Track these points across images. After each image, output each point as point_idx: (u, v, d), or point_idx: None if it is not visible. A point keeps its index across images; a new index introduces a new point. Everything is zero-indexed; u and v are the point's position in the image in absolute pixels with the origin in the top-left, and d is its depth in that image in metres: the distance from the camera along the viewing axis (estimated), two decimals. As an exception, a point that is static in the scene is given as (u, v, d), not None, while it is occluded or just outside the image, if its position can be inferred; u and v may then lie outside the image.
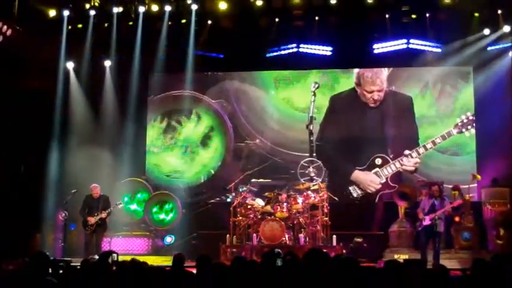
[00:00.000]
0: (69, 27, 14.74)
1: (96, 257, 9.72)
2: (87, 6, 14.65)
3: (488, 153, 14.50)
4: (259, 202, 13.52)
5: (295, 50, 15.32)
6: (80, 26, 14.88)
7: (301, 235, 12.94)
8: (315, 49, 15.25)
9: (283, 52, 15.42)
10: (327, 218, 13.10)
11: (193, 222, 14.97)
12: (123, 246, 14.44)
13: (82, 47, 14.80)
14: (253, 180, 14.92)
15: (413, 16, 14.55)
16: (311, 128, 13.75)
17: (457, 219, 13.64)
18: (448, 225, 12.94)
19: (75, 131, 15.12)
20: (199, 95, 16.12)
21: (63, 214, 13.59)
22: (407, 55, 14.95)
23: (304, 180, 13.43)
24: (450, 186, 14.04)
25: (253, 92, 16.17)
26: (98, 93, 15.52)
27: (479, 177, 14.22)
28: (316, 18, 14.65)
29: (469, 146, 15.10)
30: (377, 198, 15.19)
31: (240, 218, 13.34)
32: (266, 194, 13.76)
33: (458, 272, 10.08)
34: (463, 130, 14.86)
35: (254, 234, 13.01)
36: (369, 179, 15.25)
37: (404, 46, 14.84)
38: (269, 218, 12.94)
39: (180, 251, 8.90)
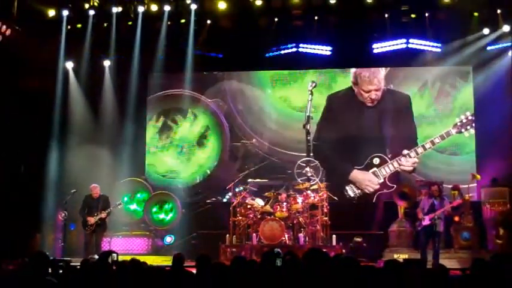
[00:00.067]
0: (69, 27, 14.73)
1: (96, 256, 9.72)
2: (87, 6, 14.64)
3: (488, 153, 14.49)
4: (259, 202, 13.52)
5: (294, 49, 15.30)
6: (79, 25, 14.87)
7: (301, 235, 12.94)
8: (314, 49, 15.23)
9: (282, 52, 15.40)
10: (326, 218, 13.10)
11: (193, 222, 14.98)
12: (123, 246, 14.44)
13: (81, 47, 14.80)
14: (249, 180, 14.82)
15: (413, 16, 14.54)
16: (308, 127, 13.74)
17: (456, 219, 13.65)
18: (448, 225, 12.95)
19: (75, 131, 15.12)
20: (195, 94, 16.09)
21: (63, 214, 13.58)
22: (407, 55, 14.94)
23: (301, 180, 13.43)
24: (450, 186, 14.03)
25: (249, 91, 16.14)
26: (97, 93, 15.51)
27: (478, 177, 14.23)
28: (316, 18, 14.63)
29: (468, 145, 15.09)
30: (375, 198, 15.18)
31: (240, 217, 13.33)
32: (266, 193, 13.76)
33: (457, 271, 10.09)
34: (462, 130, 14.86)
35: (254, 234, 13.01)
36: (367, 179, 15.24)
37: (404, 46, 14.82)
38: (269, 217, 12.95)
39: (179, 251, 8.91)
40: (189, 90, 16.01)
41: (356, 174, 15.29)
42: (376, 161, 15.23)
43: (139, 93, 15.70)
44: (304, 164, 13.48)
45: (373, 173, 15.23)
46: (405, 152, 15.09)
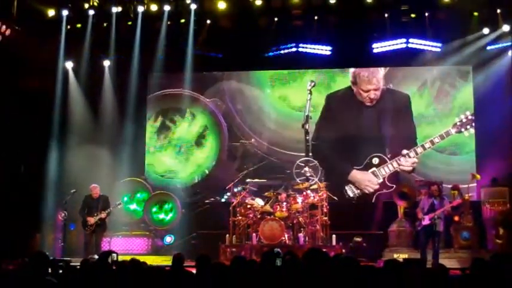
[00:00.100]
0: (68, 27, 14.73)
1: (96, 257, 9.72)
2: (86, 6, 14.63)
3: (488, 152, 14.49)
4: (259, 202, 13.51)
5: (294, 49, 15.30)
6: (79, 25, 14.87)
7: (301, 235, 12.94)
8: (314, 49, 15.22)
9: (282, 52, 15.40)
10: (326, 218, 13.10)
11: (193, 222, 14.96)
12: (123, 246, 14.43)
13: (81, 47, 14.79)
14: (248, 180, 14.76)
15: (413, 15, 14.54)
16: (307, 127, 13.75)
17: (456, 218, 13.65)
18: (448, 225, 12.94)
19: (75, 131, 15.11)
20: (194, 93, 16.05)
21: (63, 214, 13.58)
22: (407, 54, 14.93)
23: (299, 180, 13.44)
24: (449, 186, 14.02)
25: (248, 91, 16.12)
26: (97, 93, 15.51)
27: (478, 176, 14.23)
28: (316, 17, 14.62)
29: (467, 145, 15.08)
30: (374, 198, 15.17)
31: (240, 217, 13.33)
32: (266, 193, 13.75)
33: (457, 271, 10.08)
34: (462, 130, 14.85)
35: (254, 234, 13.01)
36: (367, 179, 15.22)
37: (404, 45, 14.81)
38: (268, 217, 12.94)
39: (179, 251, 8.92)
40: (189, 90, 16.00)
41: (355, 174, 15.28)
42: (376, 161, 15.22)
43: (139, 93, 15.69)
44: (303, 164, 13.48)
45: (373, 173, 15.21)
46: (404, 151, 15.07)
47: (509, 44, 14.54)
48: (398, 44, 14.84)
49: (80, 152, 14.89)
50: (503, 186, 13.96)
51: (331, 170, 14.98)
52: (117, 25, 14.67)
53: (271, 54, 15.48)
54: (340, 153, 15.31)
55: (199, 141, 16.17)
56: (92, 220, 12.91)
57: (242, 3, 14.49)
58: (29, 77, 14.16)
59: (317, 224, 13.00)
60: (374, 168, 15.20)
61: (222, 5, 14.32)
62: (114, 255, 7.41)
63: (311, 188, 13.30)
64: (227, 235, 13.20)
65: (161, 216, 15.06)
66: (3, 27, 13.42)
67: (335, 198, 14.44)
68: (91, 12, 14.59)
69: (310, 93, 14.08)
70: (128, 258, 7.24)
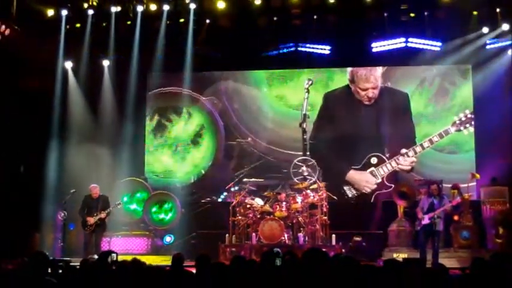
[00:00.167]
0: (68, 26, 14.72)
1: (96, 256, 9.71)
2: (85, 5, 14.62)
3: (487, 151, 14.50)
4: (258, 201, 13.50)
5: (293, 49, 15.30)
6: (78, 25, 14.87)
7: (301, 234, 12.94)
8: (313, 48, 15.23)
9: (281, 51, 15.40)
10: (326, 217, 13.10)
11: (193, 221, 14.95)
12: (123, 246, 14.41)
13: (80, 47, 14.79)
14: (245, 179, 14.71)
15: (412, 15, 14.54)
16: (304, 126, 13.71)
17: (456, 218, 13.64)
18: (447, 224, 12.95)
19: (74, 131, 15.10)
20: (190, 92, 16.02)
21: (63, 214, 13.58)
22: (406, 54, 14.93)
23: (297, 180, 13.40)
24: (449, 185, 14.00)
25: (245, 90, 16.09)
26: (96, 92, 15.50)
27: (478, 176, 14.23)
28: (315, 17, 14.61)
29: (467, 144, 15.07)
30: (373, 198, 15.16)
31: (239, 217, 13.32)
32: (265, 193, 13.74)
33: (457, 270, 10.07)
34: (461, 128, 14.82)
35: (253, 234, 13.00)
36: (364, 179, 15.19)
37: (403, 45, 14.82)
38: (268, 217, 12.94)
39: (179, 251, 8.93)
40: (188, 89, 15.99)
41: (353, 174, 15.24)
42: (374, 160, 15.20)
43: (139, 92, 15.69)
44: (300, 163, 13.44)
45: (371, 172, 15.19)
46: (403, 151, 15.04)
47: (508, 42, 14.55)
48: (397, 43, 14.84)
49: (80, 152, 14.88)
50: (503, 186, 13.96)
51: (329, 170, 14.94)
52: (116, 25, 14.66)
53: (270, 53, 15.47)
54: (338, 152, 15.28)
55: (195, 140, 16.15)
56: (91, 220, 12.90)
57: (241, 3, 14.49)
58: (29, 77, 14.16)
59: (317, 224, 12.99)
60: (372, 168, 15.18)
61: (221, 5, 14.31)
62: (114, 255, 7.39)
63: (311, 187, 13.28)
64: (227, 235, 13.19)
65: (161, 216, 15.05)
66: (3, 27, 13.41)
67: (335, 197, 14.43)
68: (90, 12, 14.58)
69: (308, 91, 14.04)
70: (127, 258, 7.23)
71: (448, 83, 15.45)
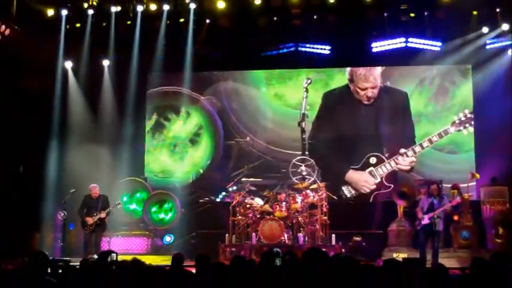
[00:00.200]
0: (68, 26, 14.72)
1: (95, 256, 9.71)
2: (85, 5, 14.62)
3: (487, 151, 14.50)
4: (258, 201, 13.50)
5: (293, 49, 15.30)
6: (78, 25, 14.87)
7: (300, 234, 12.94)
8: (313, 48, 15.22)
9: (281, 51, 15.39)
10: (326, 217, 13.10)
11: (193, 221, 14.95)
12: (122, 245, 14.41)
13: (80, 47, 14.79)
14: (243, 179, 14.62)
15: (412, 14, 14.54)
16: (303, 125, 13.66)
17: (456, 218, 13.65)
18: (447, 224, 12.95)
19: (74, 131, 15.09)
20: (189, 91, 16.01)
21: (62, 214, 13.58)
22: (406, 53, 14.92)
23: (296, 179, 13.38)
24: (449, 185, 14.00)
25: (244, 89, 16.08)
26: (96, 92, 15.50)
27: (478, 175, 14.24)
28: (315, 17, 14.61)
29: (467, 144, 15.06)
30: (371, 198, 15.15)
31: (239, 217, 13.32)
32: (265, 193, 13.74)
33: (457, 270, 10.07)
34: (461, 128, 14.81)
35: (253, 234, 13.00)
36: (363, 179, 15.18)
37: (403, 45, 14.82)
38: (268, 217, 12.94)
39: (179, 251, 8.93)
40: (188, 89, 15.99)
41: (351, 174, 15.23)
42: (373, 160, 15.18)
43: (139, 92, 15.69)
44: (299, 163, 13.42)
45: (370, 172, 15.18)
46: (402, 151, 15.02)
47: (508, 42, 14.56)
48: (397, 43, 14.84)
49: (80, 152, 14.87)
50: (503, 186, 13.96)
51: (328, 170, 14.93)
52: (116, 25, 14.66)
53: (270, 53, 15.47)
54: (337, 152, 15.27)
55: (194, 139, 16.14)
56: (91, 220, 12.90)
57: (241, 3, 14.49)
58: (29, 77, 14.16)
59: (316, 224, 12.99)
60: (371, 168, 15.16)
61: (221, 5, 14.31)
62: (114, 255, 7.39)
63: (311, 187, 13.28)
64: (227, 235, 13.19)
65: (161, 215, 15.05)
66: (3, 27, 13.42)
67: (334, 197, 14.41)
68: (90, 11, 14.58)
69: (307, 90, 14.00)
70: (127, 258, 7.22)
71: (448, 82, 15.44)
